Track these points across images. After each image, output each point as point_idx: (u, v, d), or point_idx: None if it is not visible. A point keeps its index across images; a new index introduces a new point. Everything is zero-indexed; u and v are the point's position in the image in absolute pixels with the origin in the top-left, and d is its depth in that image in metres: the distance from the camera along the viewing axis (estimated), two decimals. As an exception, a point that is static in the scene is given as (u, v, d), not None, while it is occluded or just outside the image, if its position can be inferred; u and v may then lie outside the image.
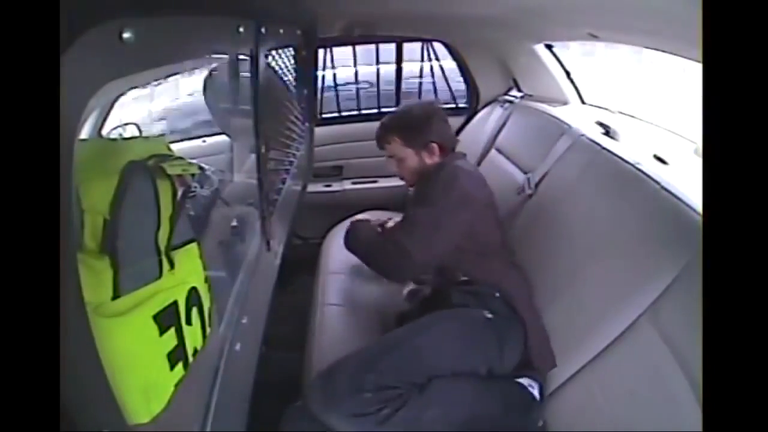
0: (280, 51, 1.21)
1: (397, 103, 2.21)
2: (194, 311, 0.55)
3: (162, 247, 0.50)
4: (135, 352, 0.45)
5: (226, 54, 0.92)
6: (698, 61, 0.92)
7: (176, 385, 0.50)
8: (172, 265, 0.52)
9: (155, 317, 0.48)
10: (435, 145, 1.28)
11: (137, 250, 0.48)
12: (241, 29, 0.67)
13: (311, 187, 1.83)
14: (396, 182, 2.20)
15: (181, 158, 0.53)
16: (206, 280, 0.60)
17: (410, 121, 1.31)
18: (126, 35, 0.33)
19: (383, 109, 2.21)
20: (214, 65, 1.16)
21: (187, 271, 0.55)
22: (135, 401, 0.44)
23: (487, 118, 1.99)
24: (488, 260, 1.19)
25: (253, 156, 0.91)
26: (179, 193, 0.53)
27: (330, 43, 2.06)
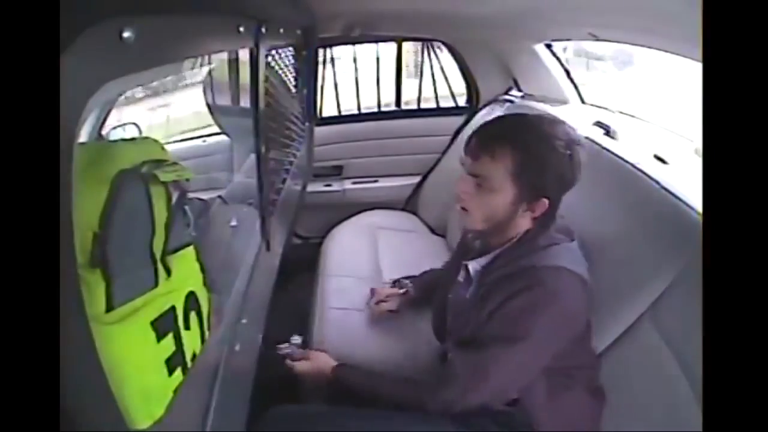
0: (280, 51, 1.21)
1: (398, 103, 2.19)
2: (192, 315, 0.55)
3: (158, 255, 0.49)
4: (133, 358, 0.45)
5: (226, 54, 0.92)
6: (698, 61, 0.92)
7: (175, 391, 0.50)
8: (168, 272, 0.51)
9: (153, 323, 0.47)
10: (546, 201, 0.85)
11: (131, 262, 0.46)
12: (241, 29, 0.67)
13: (311, 187, 1.82)
14: (396, 182, 2.19)
15: (175, 163, 0.51)
16: (205, 282, 0.60)
17: (543, 151, 0.82)
18: (126, 35, 0.33)
19: (383, 109, 2.21)
20: (213, 65, 1.16)
21: (185, 275, 0.54)
22: (135, 406, 0.44)
23: (488, 118, 1.99)
24: (566, 393, 0.89)
25: (253, 156, 0.91)
26: (174, 198, 0.52)
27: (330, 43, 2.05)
